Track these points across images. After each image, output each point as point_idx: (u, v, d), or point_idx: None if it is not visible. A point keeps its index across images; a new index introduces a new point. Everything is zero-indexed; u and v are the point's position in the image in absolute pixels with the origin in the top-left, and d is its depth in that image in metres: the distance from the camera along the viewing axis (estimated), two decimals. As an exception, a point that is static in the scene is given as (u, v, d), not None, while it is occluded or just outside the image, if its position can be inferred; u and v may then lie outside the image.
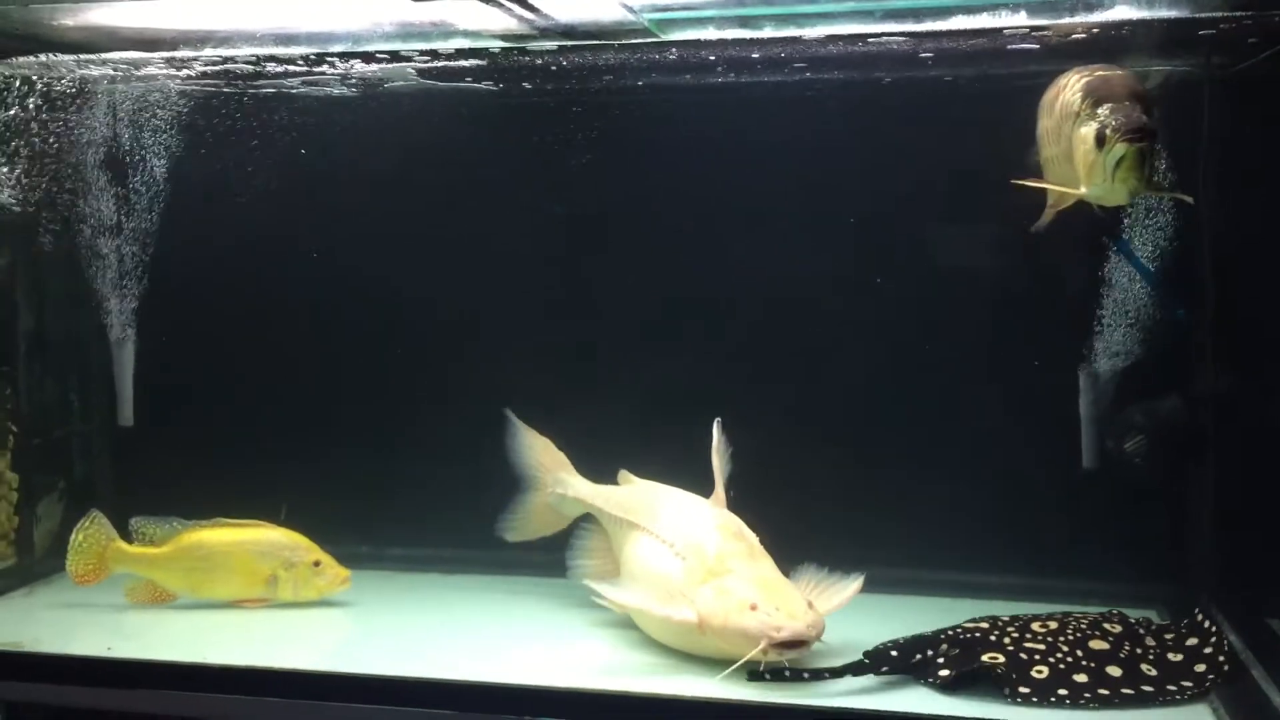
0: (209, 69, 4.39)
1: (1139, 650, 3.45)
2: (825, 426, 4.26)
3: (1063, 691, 3.25)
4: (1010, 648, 3.42)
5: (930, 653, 3.44)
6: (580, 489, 4.18)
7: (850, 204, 4.20)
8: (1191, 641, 3.50)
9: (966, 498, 4.14)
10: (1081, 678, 3.30)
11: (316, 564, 4.15)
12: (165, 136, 4.65)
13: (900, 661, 3.43)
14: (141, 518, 4.16)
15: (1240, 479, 3.69)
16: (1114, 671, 3.34)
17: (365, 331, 4.68)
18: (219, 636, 3.89)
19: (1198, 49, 3.70)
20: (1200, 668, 3.36)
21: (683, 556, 3.63)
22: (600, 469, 4.17)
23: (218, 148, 4.57)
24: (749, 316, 4.38)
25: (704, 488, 3.84)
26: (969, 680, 3.32)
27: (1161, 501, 3.99)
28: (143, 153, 4.65)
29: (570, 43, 3.96)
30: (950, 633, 3.55)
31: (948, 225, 4.22)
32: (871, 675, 3.36)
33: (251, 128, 4.56)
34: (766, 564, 3.57)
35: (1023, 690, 3.25)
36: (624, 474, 4.14)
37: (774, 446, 4.09)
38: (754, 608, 3.36)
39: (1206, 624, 3.54)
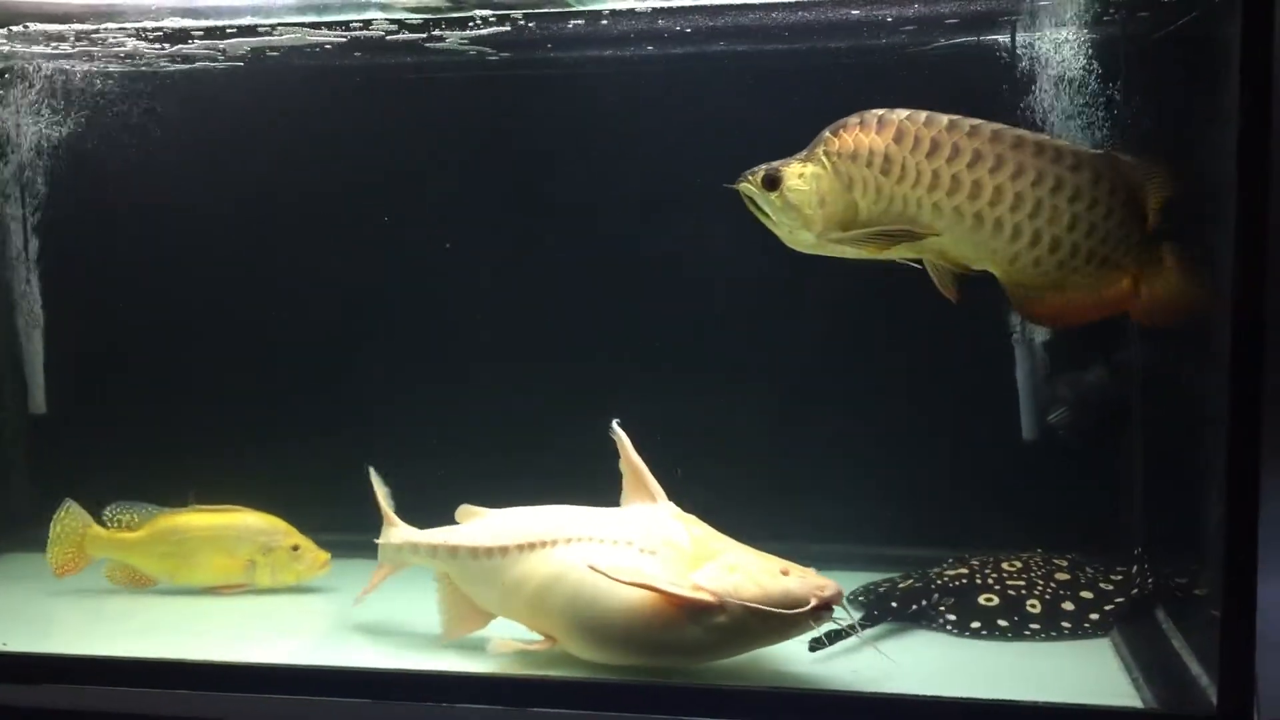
0: (110, 45, 4.27)
1: (1096, 577, 3.78)
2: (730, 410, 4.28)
3: (1066, 625, 3.57)
4: (997, 588, 3.71)
5: (925, 602, 3.69)
6: (409, 535, 3.73)
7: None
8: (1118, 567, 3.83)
9: (891, 473, 4.20)
10: (1069, 606, 3.64)
11: (295, 548, 4.15)
12: (69, 117, 4.55)
13: (901, 611, 3.67)
14: (118, 503, 4.20)
15: (1159, 447, 3.82)
16: (1086, 595, 3.68)
17: (280, 316, 4.62)
18: (133, 627, 3.90)
19: (1116, 13, 3.66)
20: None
21: (651, 551, 3.28)
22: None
23: (127, 129, 4.48)
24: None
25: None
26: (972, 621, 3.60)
27: (1087, 470, 4.09)
28: (48, 135, 4.56)
29: (487, 13, 3.88)
30: (938, 581, 3.78)
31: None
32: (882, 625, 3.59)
33: (161, 106, 4.48)
34: (746, 546, 3.33)
35: (1032, 626, 3.56)
36: (467, 509, 3.69)
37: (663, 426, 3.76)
38: (786, 572, 3.19)
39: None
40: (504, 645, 3.44)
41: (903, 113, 3.09)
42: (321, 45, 4.18)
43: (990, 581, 3.73)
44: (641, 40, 4.07)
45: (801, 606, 3.11)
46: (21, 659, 3.49)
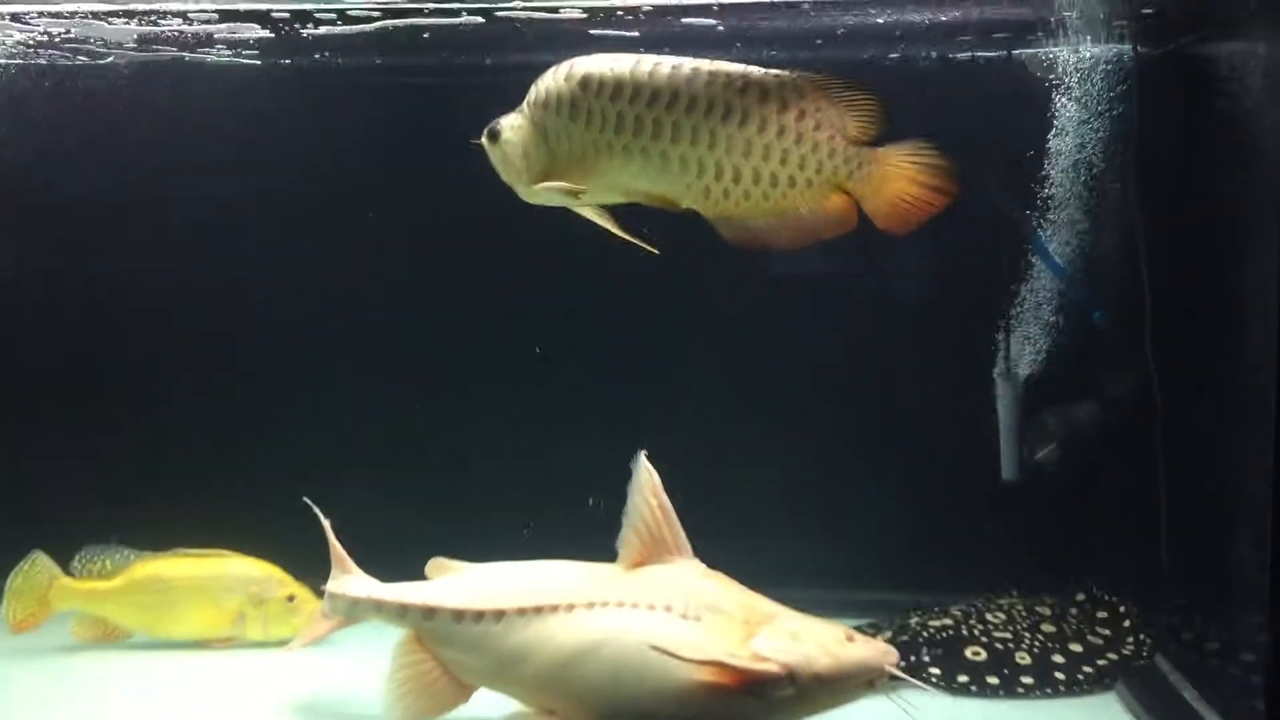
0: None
1: (1082, 628, 3.77)
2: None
3: (1060, 679, 3.55)
4: (984, 640, 3.67)
5: (914, 658, 3.63)
6: (372, 589, 3.31)
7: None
8: (1102, 614, 3.85)
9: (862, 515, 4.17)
10: (1059, 659, 3.62)
11: (291, 599, 3.93)
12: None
13: None
14: (89, 547, 3.94)
15: (1153, 482, 3.79)
16: (1076, 648, 3.67)
17: (212, 346, 4.48)
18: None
19: (1125, 32, 3.73)
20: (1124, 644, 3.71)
21: (695, 618, 2.98)
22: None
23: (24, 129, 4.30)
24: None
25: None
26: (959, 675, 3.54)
27: (1073, 505, 4.11)
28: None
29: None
30: (925, 635, 3.74)
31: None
32: None
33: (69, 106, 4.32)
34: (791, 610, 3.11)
35: (1025, 682, 3.52)
36: (440, 563, 3.33)
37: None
38: (850, 638, 2.99)
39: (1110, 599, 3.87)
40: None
41: (597, 58, 3.00)
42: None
43: (976, 633, 3.71)
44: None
45: (875, 675, 2.93)
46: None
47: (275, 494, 3.57)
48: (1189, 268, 3.51)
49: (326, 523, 3.39)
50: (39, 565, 3.88)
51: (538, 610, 3.05)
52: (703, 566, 3.12)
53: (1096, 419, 4.02)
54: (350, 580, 3.35)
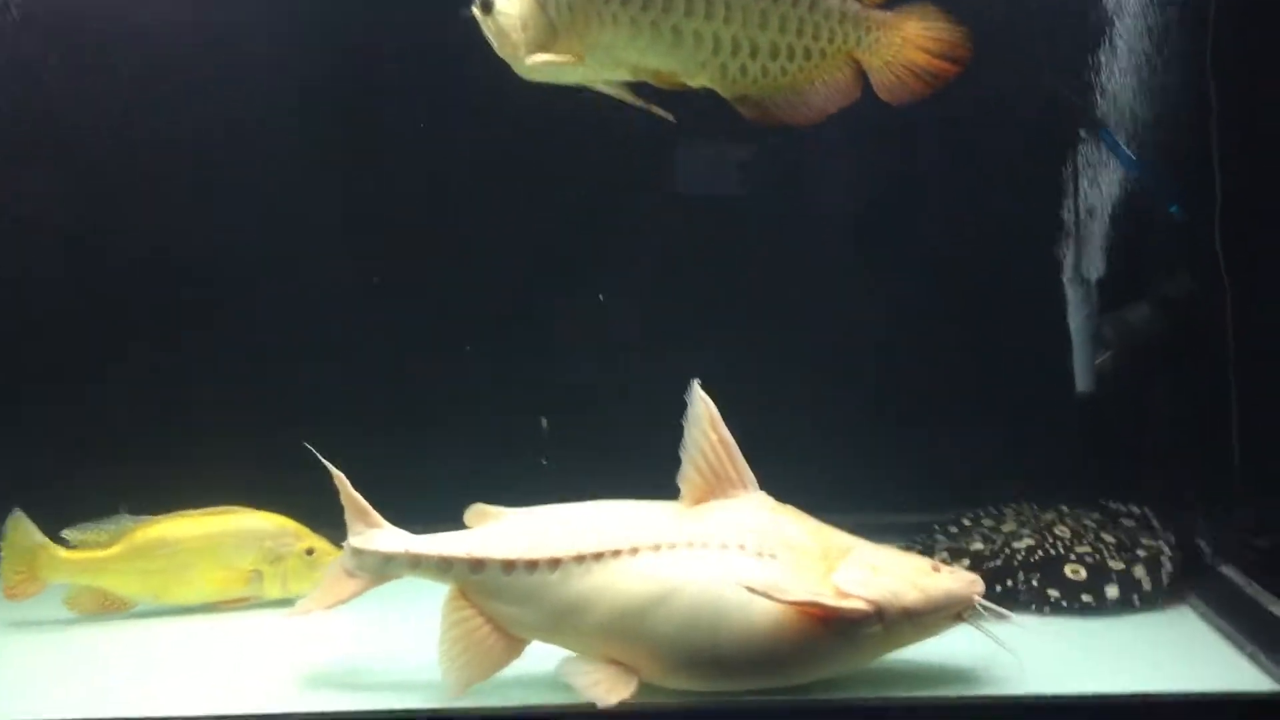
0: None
1: (1148, 537, 3.62)
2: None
3: (1162, 585, 3.40)
4: (1074, 559, 3.48)
5: (1010, 583, 3.44)
6: (407, 542, 3.01)
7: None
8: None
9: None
10: (1139, 571, 3.46)
11: (309, 552, 3.65)
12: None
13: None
14: (83, 523, 3.65)
15: (1223, 385, 3.65)
16: (1144, 553, 3.51)
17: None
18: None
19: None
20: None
21: (771, 555, 2.81)
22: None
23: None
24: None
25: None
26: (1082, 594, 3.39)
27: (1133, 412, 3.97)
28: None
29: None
30: (1018, 559, 3.50)
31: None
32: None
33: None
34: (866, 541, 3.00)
35: (1145, 590, 3.38)
36: (481, 509, 3.03)
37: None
38: (937, 569, 2.91)
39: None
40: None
41: None
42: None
43: (1061, 550, 3.53)
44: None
45: (963, 606, 2.85)
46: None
47: (272, 447, 3.37)
48: (1264, 158, 3.34)
49: (338, 474, 3.06)
50: (21, 527, 3.56)
51: (598, 556, 2.85)
52: (771, 500, 2.97)
53: (1160, 321, 3.86)
54: (377, 534, 3.04)
